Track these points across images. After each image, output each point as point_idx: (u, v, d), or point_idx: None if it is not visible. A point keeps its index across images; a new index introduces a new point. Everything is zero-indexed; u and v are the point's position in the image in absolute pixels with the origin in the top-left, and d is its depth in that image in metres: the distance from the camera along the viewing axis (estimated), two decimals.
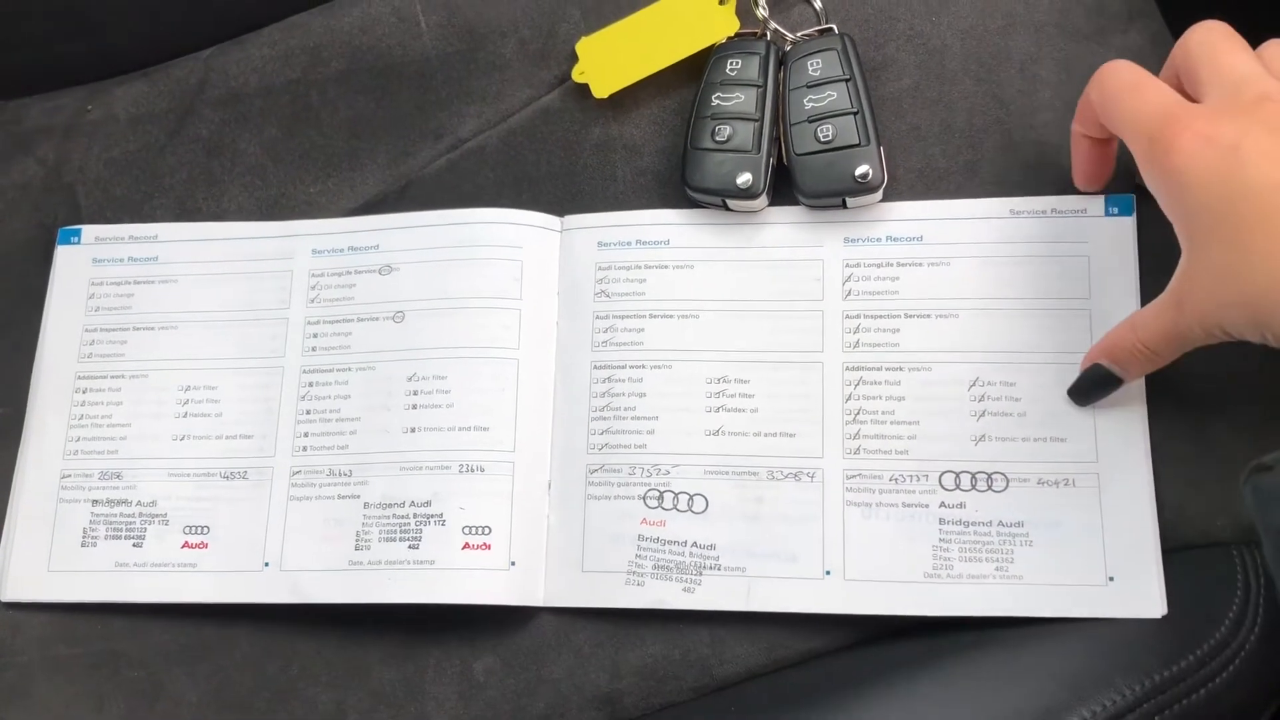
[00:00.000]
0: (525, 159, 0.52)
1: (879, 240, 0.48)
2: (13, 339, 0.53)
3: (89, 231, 0.54)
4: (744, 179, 0.48)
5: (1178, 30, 0.49)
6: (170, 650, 0.49)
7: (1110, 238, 0.46)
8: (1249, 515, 0.36)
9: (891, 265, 0.48)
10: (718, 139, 0.48)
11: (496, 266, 0.50)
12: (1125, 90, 0.40)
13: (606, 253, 0.50)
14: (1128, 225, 0.46)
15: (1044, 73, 0.49)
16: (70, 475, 0.51)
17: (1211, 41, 0.40)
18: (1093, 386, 0.44)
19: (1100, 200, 0.46)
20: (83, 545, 0.50)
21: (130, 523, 0.50)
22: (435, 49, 0.54)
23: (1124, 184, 0.46)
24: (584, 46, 0.52)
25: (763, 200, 0.49)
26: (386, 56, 0.54)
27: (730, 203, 0.49)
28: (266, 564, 0.49)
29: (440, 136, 0.53)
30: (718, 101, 0.49)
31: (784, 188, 0.49)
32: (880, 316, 0.47)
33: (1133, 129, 0.39)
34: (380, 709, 0.47)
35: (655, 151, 0.51)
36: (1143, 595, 0.43)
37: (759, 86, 0.49)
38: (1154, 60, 0.48)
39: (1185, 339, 0.39)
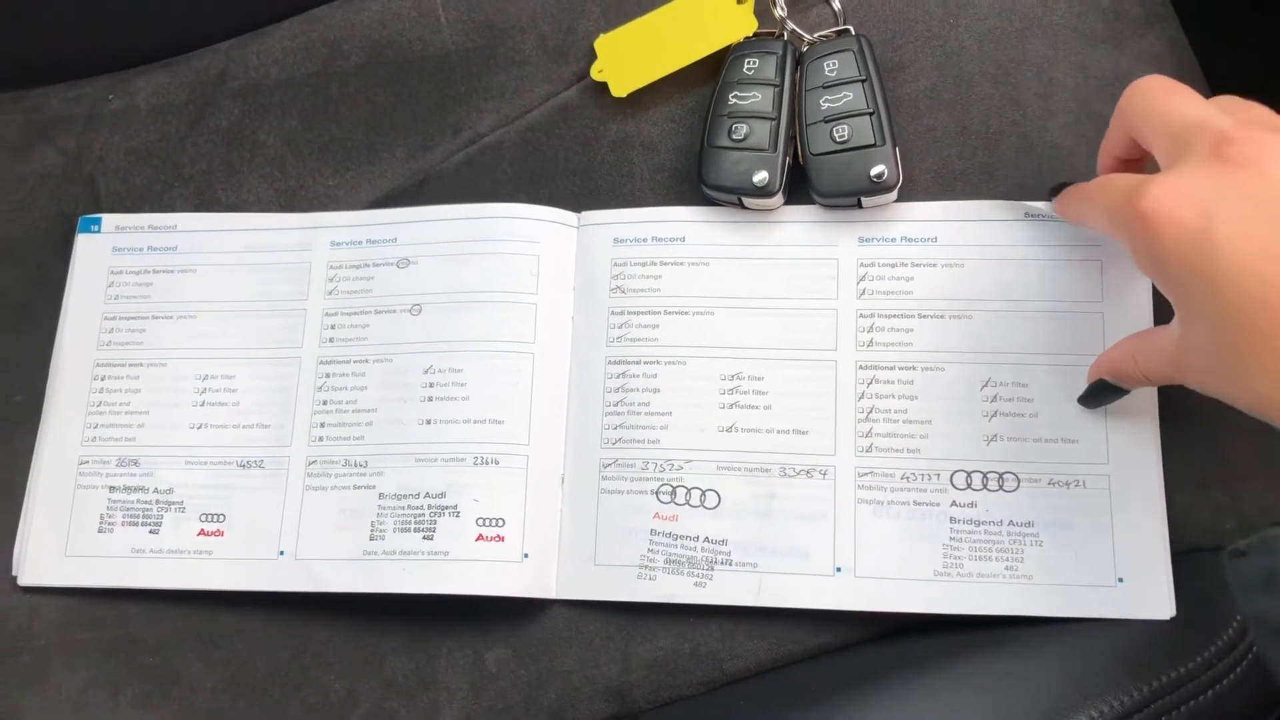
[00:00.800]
0: (543, 155, 0.52)
1: (893, 240, 0.48)
2: (31, 326, 0.53)
3: (109, 220, 0.54)
4: (760, 177, 0.48)
5: (1195, 36, 0.50)
6: (185, 636, 0.49)
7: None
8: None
9: (906, 265, 0.48)
10: (734, 137, 0.49)
11: (513, 261, 0.50)
12: (1092, 195, 0.40)
13: (622, 249, 0.50)
14: None
15: (1061, 76, 0.49)
16: (88, 461, 0.51)
17: (1148, 93, 0.38)
18: (1100, 395, 0.44)
19: None
20: (99, 531, 0.51)
21: (147, 509, 0.50)
22: (455, 44, 0.54)
23: None
24: (602, 44, 0.52)
25: (778, 199, 0.49)
26: (406, 51, 0.54)
27: (746, 201, 0.49)
28: (282, 552, 0.49)
29: (459, 131, 0.54)
30: (735, 100, 0.49)
31: (799, 187, 0.49)
32: (894, 316, 0.48)
33: (1111, 226, 0.38)
34: (392, 698, 0.48)
35: (672, 149, 0.51)
36: (1152, 596, 0.43)
37: (776, 86, 0.49)
38: (1171, 67, 0.49)
39: (1184, 386, 0.39)
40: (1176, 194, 0.34)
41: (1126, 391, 0.43)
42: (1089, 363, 0.45)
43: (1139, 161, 0.42)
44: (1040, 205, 0.47)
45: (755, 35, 0.51)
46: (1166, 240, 0.34)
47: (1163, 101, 0.38)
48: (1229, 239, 0.33)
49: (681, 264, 0.50)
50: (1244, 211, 0.33)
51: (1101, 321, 0.46)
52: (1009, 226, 0.48)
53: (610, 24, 0.53)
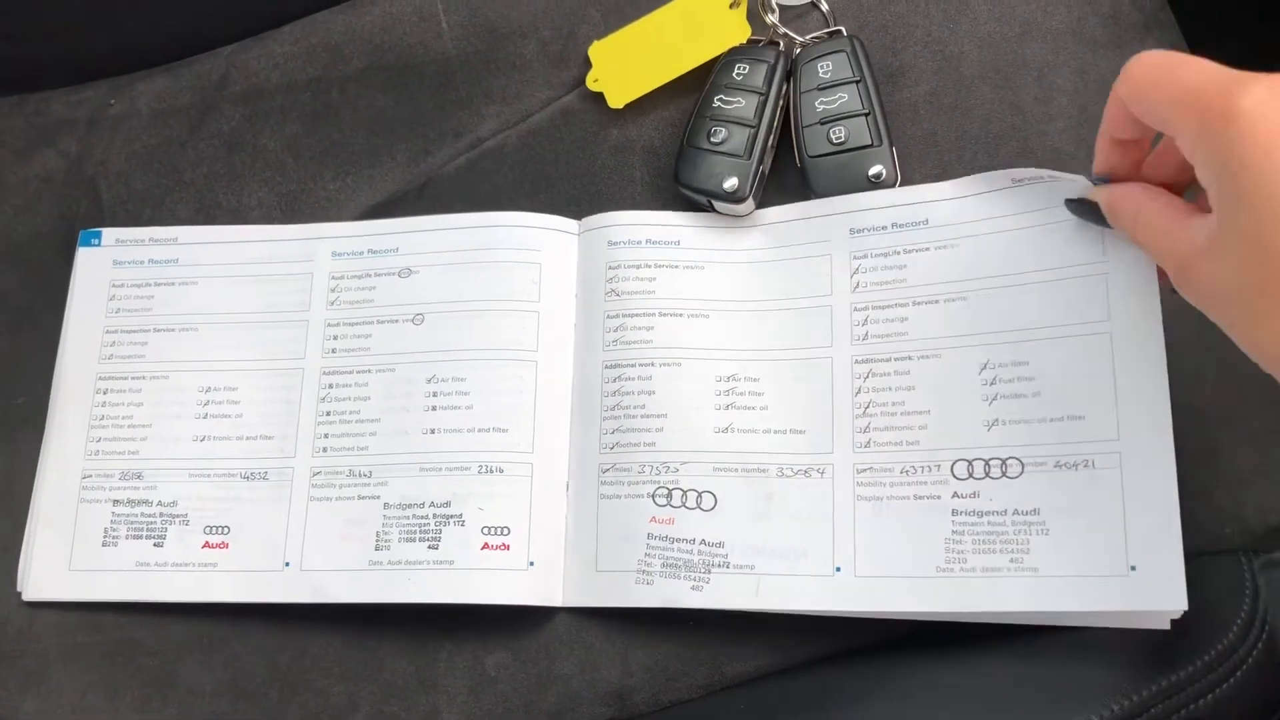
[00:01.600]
0: (544, 159, 0.53)
1: (884, 228, 0.48)
2: (34, 329, 0.54)
3: (109, 234, 0.54)
4: (730, 183, 0.48)
5: (1194, 39, 0.50)
6: (185, 640, 0.49)
7: None
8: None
9: (899, 253, 0.47)
10: (713, 140, 0.49)
11: (515, 270, 0.50)
12: (1161, 71, 0.35)
13: (617, 252, 0.50)
14: None
15: (1061, 81, 0.49)
16: (91, 475, 0.51)
17: (1158, 68, 0.36)
18: (1086, 214, 0.42)
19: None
20: (104, 545, 0.50)
21: (151, 523, 0.50)
22: (456, 48, 0.54)
23: None
24: (597, 51, 0.52)
25: (749, 205, 0.49)
26: (407, 55, 0.55)
27: (716, 204, 0.49)
28: (287, 564, 0.49)
29: (460, 135, 0.54)
30: (719, 103, 0.50)
31: (799, 189, 0.50)
32: (888, 306, 0.47)
33: (1177, 109, 0.34)
34: (392, 702, 0.48)
35: (673, 154, 0.51)
36: (1167, 586, 0.40)
37: (761, 94, 0.49)
38: None
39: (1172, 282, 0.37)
40: (1273, 84, 0.32)
41: (1105, 223, 0.41)
42: (1094, 331, 0.43)
43: (1141, 144, 0.40)
44: (1026, 171, 0.45)
45: (750, 42, 0.51)
46: (1257, 145, 0.32)
47: (1178, 72, 0.35)
48: None
49: (676, 267, 0.50)
50: None
51: (1105, 283, 0.43)
52: (1000, 196, 0.46)
53: (611, 28, 0.53)
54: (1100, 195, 0.41)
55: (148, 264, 0.54)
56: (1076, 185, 0.43)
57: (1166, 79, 0.35)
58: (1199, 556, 0.43)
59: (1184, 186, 0.40)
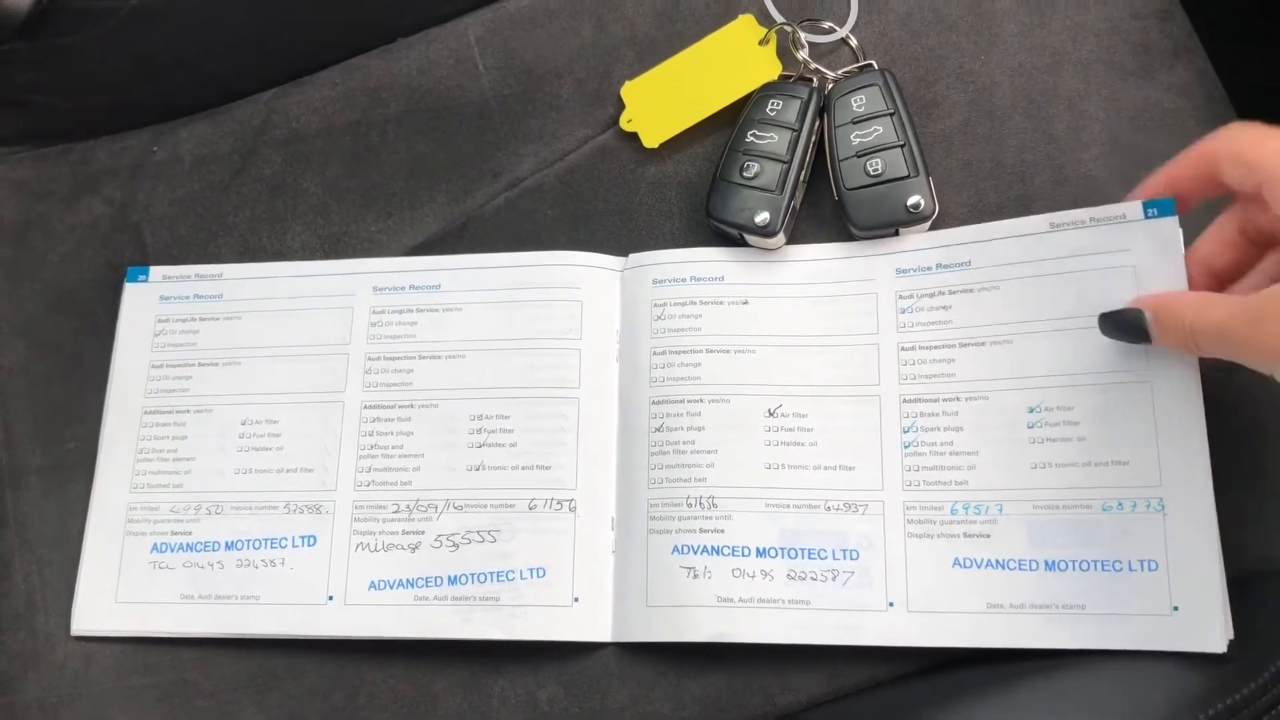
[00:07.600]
0: (583, 197, 0.53)
1: (929, 269, 0.49)
2: (84, 375, 0.54)
3: (156, 270, 0.55)
4: (762, 217, 0.49)
5: (1221, 67, 0.50)
6: (240, 680, 0.50)
7: (1154, 242, 0.45)
8: None
9: (943, 294, 0.48)
10: (745, 175, 0.50)
11: (557, 308, 0.51)
12: (1259, 138, 0.40)
13: (662, 289, 0.51)
14: (1171, 226, 0.45)
15: (1092, 109, 0.50)
16: (136, 508, 0.52)
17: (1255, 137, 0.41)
18: (1123, 329, 0.43)
19: (1138, 205, 0.45)
20: (148, 578, 0.51)
21: (195, 555, 0.51)
22: (493, 90, 0.55)
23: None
24: (629, 91, 0.53)
25: (779, 239, 0.50)
26: (445, 98, 0.55)
27: (747, 238, 0.50)
28: (330, 597, 0.49)
29: (498, 175, 0.54)
30: (752, 138, 0.50)
31: (834, 223, 0.50)
32: (935, 347, 0.48)
33: (1269, 173, 0.39)
34: None
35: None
36: (1209, 625, 0.42)
37: (794, 130, 0.50)
38: (1199, 97, 0.50)
39: (1240, 355, 0.38)
40: None
41: (1147, 339, 0.42)
42: (1136, 377, 0.44)
43: (1190, 202, 0.43)
44: (1064, 215, 0.47)
45: (782, 78, 0.52)
46: None
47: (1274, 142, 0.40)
48: None
49: (721, 303, 0.50)
50: None
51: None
52: (1039, 240, 0.47)
53: (645, 67, 0.54)
54: (1148, 305, 0.42)
55: (193, 299, 0.54)
56: (1110, 224, 0.46)
57: (1266, 146, 0.39)
58: (1249, 578, 0.44)
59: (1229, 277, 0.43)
